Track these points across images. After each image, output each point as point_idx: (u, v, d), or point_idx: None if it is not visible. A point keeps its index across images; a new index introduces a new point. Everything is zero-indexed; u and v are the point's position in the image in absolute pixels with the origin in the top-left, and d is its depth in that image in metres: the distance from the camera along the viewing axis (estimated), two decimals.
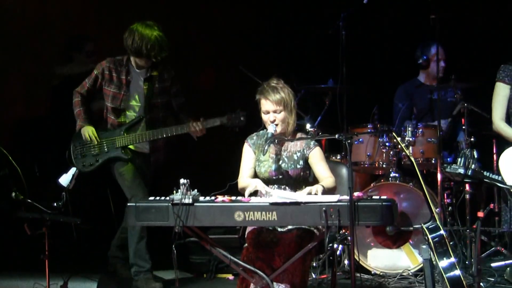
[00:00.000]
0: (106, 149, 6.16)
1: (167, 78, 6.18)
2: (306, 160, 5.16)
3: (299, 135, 5.24)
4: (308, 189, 4.92)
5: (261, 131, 5.29)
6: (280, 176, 5.14)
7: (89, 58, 7.32)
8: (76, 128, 6.19)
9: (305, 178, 5.17)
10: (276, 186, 5.11)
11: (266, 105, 5.10)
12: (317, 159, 5.15)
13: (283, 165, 5.15)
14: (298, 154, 5.17)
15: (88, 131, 6.14)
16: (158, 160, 6.30)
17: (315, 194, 4.84)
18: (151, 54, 5.96)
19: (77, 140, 6.21)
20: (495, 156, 6.53)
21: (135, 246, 6.08)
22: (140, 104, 6.16)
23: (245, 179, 5.15)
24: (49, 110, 7.52)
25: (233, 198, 4.79)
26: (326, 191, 4.95)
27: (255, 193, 5.06)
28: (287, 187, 5.13)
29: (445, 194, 6.64)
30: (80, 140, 6.19)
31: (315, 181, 5.17)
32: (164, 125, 6.16)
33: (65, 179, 5.40)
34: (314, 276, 6.10)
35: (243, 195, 4.97)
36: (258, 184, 5.05)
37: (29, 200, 5.30)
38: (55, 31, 7.58)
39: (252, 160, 5.21)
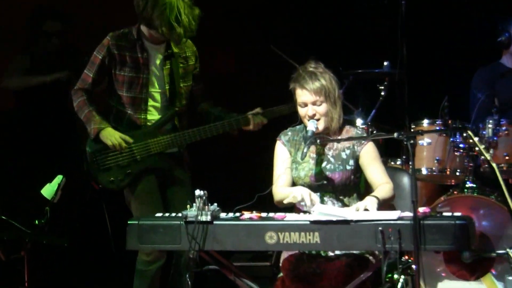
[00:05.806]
0: (138, 157, 5.83)
1: (190, 56, 5.98)
2: (357, 159, 5.16)
3: (346, 129, 5.23)
4: (355, 206, 4.89)
5: (297, 126, 5.29)
6: (324, 182, 5.13)
7: (50, 43, 7.19)
8: (91, 133, 5.79)
9: (355, 183, 5.18)
10: (318, 194, 5.07)
11: (303, 96, 5.10)
12: (370, 158, 5.15)
13: (328, 166, 5.15)
14: (348, 151, 5.17)
15: (113, 135, 5.76)
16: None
17: (366, 210, 4.80)
18: (163, 28, 5.66)
19: (96, 148, 5.81)
20: None
21: None
22: (160, 91, 5.90)
23: (282, 189, 5.11)
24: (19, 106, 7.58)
25: (264, 214, 4.80)
26: (382, 203, 4.90)
27: (291, 208, 5.07)
28: (333, 197, 5.12)
29: None
30: (100, 148, 5.80)
31: (367, 189, 5.16)
32: (189, 118, 6.00)
33: (49, 191, 5.46)
34: None
35: (279, 209, 4.93)
36: (304, 193, 4.91)
37: (3, 217, 5.40)
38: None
39: (288, 161, 5.21)
